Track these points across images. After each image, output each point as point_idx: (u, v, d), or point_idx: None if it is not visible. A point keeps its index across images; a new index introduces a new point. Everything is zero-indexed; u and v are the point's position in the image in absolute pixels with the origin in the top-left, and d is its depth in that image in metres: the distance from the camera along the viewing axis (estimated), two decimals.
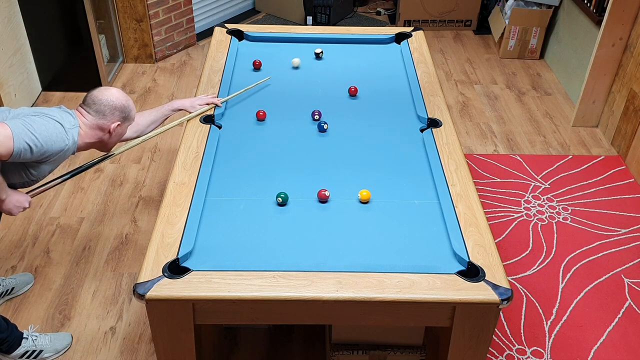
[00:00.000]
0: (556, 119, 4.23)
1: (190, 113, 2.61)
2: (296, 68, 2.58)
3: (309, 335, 2.68)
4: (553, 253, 3.12)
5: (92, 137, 2.22)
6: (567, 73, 4.56)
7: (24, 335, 2.50)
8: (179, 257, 1.87)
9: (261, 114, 2.58)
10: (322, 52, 2.64)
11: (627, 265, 3.05)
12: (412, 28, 3.32)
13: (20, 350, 2.49)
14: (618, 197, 3.51)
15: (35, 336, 2.53)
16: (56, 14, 4.03)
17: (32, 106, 4.14)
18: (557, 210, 3.40)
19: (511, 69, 4.83)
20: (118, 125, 2.22)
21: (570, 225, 3.29)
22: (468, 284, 1.81)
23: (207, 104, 2.62)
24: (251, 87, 2.77)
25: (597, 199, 3.48)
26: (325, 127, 2.52)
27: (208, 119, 2.54)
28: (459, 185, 2.21)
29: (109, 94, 2.20)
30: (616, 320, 2.78)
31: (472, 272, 1.86)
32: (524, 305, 2.83)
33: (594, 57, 3.87)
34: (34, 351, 2.52)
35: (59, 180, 2.32)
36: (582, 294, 2.89)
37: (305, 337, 2.67)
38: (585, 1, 4.21)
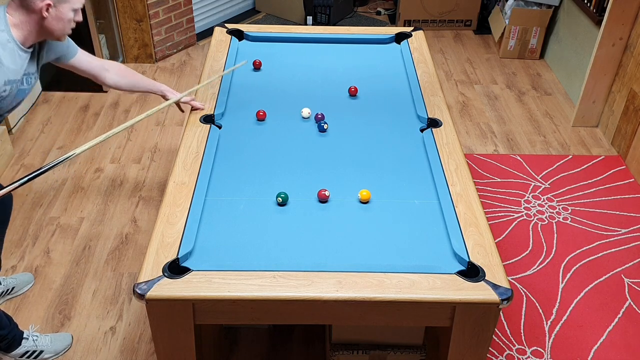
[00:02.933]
0: (556, 119, 4.23)
1: (166, 100, 2.56)
2: (306, 118, 2.57)
3: (309, 335, 2.68)
4: (553, 253, 3.12)
5: (26, 24, 1.98)
6: (567, 73, 4.56)
7: (24, 335, 2.50)
8: (179, 257, 1.87)
9: (261, 114, 2.58)
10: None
11: (627, 265, 3.05)
12: (412, 28, 3.32)
13: (20, 350, 2.49)
14: (618, 197, 3.51)
15: (36, 336, 2.53)
16: None
17: (32, 106, 4.14)
18: (557, 210, 3.40)
19: (511, 69, 4.83)
20: (48, 5, 1.95)
21: (570, 225, 3.29)
22: (468, 284, 1.81)
23: (187, 103, 2.59)
24: (227, 72, 2.76)
25: (597, 199, 3.48)
26: (325, 127, 2.52)
27: (208, 119, 2.54)
28: (459, 185, 2.20)
29: None
30: (616, 320, 2.78)
31: (472, 272, 1.86)
32: (524, 305, 2.83)
33: (594, 57, 3.87)
34: (34, 351, 2.51)
35: (18, 183, 2.01)
36: (582, 294, 2.90)
37: (305, 337, 2.67)
38: (585, 1, 4.21)
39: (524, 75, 4.76)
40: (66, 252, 3.06)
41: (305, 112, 2.58)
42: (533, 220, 3.32)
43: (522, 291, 2.90)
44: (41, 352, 2.52)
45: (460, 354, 1.93)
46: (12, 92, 2.05)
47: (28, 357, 2.51)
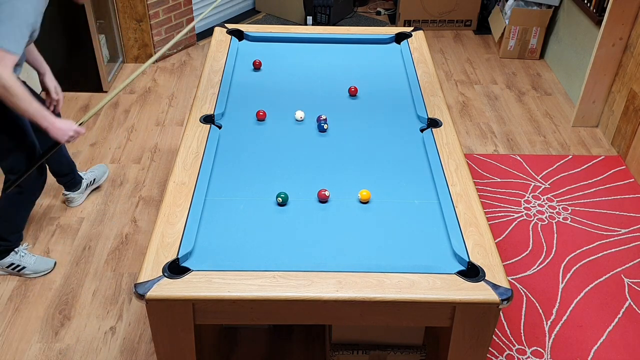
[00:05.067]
0: (556, 119, 4.23)
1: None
2: (300, 120, 2.56)
3: (309, 335, 2.68)
4: (553, 253, 3.12)
5: None
6: (567, 73, 4.56)
7: (15, 249, 2.84)
8: (179, 257, 1.87)
9: (261, 114, 2.58)
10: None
11: (627, 265, 3.06)
12: (412, 28, 3.32)
13: (6, 260, 2.84)
14: (618, 197, 3.51)
15: (24, 253, 2.87)
16: (56, 14, 4.03)
17: None
18: (557, 210, 3.40)
19: (511, 69, 4.83)
20: None
21: (570, 225, 3.29)
22: (468, 284, 1.81)
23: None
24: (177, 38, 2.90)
25: (597, 199, 3.48)
26: (325, 127, 2.52)
27: (208, 119, 2.54)
28: (459, 185, 2.21)
29: None
30: (616, 320, 2.78)
31: (472, 272, 1.86)
32: (524, 305, 2.83)
33: (594, 57, 3.87)
34: (17, 265, 2.85)
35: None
36: (582, 294, 2.90)
37: (305, 337, 2.67)
38: (585, 1, 4.21)
39: (524, 75, 4.76)
40: (66, 252, 3.06)
41: (299, 114, 2.58)
42: (533, 220, 3.32)
43: (522, 291, 2.90)
44: (23, 267, 2.86)
45: (460, 354, 1.93)
46: (37, 31, 2.36)
47: (12, 268, 2.85)
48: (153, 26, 4.60)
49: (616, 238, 3.22)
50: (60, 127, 2.46)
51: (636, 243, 3.19)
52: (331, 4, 5.21)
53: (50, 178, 3.52)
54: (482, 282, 1.82)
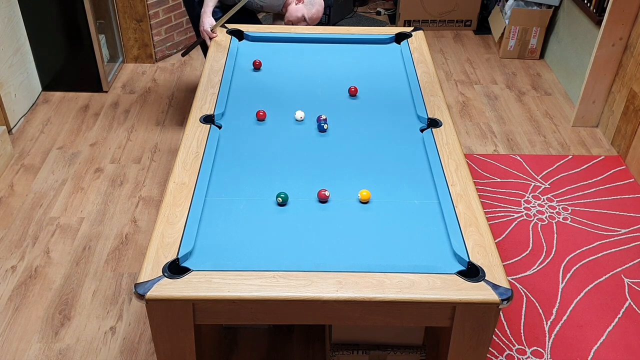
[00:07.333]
0: (556, 119, 4.23)
1: None
2: (300, 120, 2.56)
3: (309, 335, 2.68)
4: (553, 253, 3.12)
5: None
6: (567, 73, 4.56)
7: None
8: (179, 257, 1.87)
9: (261, 114, 2.58)
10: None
11: (627, 265, 3.06)
12: (412, 28, 3.32)
13: None
14: (618, 197, 3.51)
15: None
16: (56, 14, 4.04)
17: (32, 106, 4.14)
18: (557, 210, 3.40)
19: (511, 69, 4.83)
20: None
21: (570, 225, 3.30)
22: (468, 284, 1.81)
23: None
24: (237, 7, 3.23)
25: (597, 199, 3.48)
26: (325, 127, 2.52)
27: (208, 119, 2.54)
28: (459, 185, 2.21)
29: None
30: (616, 320, 2.78)
31: (472, 272, 1.86)
32: (524, 305, 2.83)
33: (594, 57, 3.87)
34: None
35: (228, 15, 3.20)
36: (582, 294, 2.90)
37: (305, 337, 2.67)
38: (585, 1, 4.21)
39: (524, 75, 4.76)
40: (66, 252, 3.06)
41: (299, 114, 2.58)
42: (533, 220, 3.32)
43: (522, 291, 2.90)
44: None
45: (460, 354, 1.93)
46: None
47: None
48: (153, 26, 4.60)
49: (616, 238, 3.22)
50: (204, 20, 3.28)
51: (636, 243, 3.19)
52: (331, 4, 5.21)
53: (45, 184, 3.53)
54: (482, 282, 1.82)
